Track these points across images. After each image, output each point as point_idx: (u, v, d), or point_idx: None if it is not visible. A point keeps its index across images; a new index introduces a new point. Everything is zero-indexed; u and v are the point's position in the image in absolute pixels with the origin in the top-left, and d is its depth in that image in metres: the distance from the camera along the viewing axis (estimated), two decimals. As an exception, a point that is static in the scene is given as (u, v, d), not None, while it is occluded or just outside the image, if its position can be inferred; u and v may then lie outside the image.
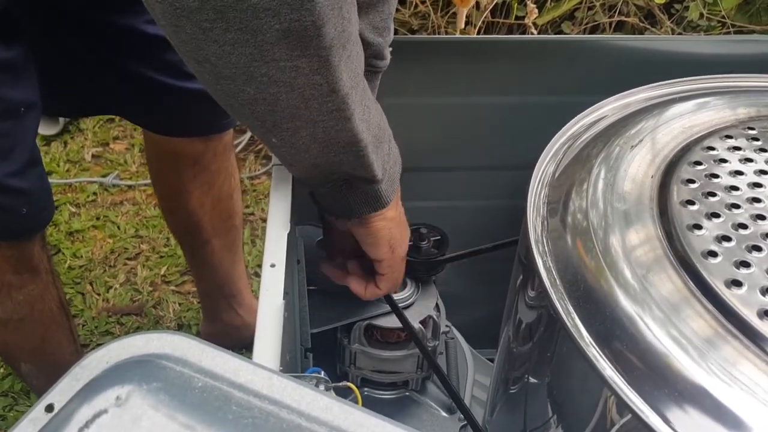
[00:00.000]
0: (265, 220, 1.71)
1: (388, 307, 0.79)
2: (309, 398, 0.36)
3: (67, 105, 1.05)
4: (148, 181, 1.74)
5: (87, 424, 0.35)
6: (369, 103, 0.58)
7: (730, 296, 0.44)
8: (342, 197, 0.63)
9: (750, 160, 0.55)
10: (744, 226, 0.49)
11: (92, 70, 0.95)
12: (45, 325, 1.04)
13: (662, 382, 0.42)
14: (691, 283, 0.46)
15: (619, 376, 0.44)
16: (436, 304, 0.84)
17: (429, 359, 0.79)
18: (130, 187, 1.79)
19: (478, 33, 1.56)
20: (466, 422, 0.85)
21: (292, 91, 0.49)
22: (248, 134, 1.90)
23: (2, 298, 0.95)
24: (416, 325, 0.80)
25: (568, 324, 0.47)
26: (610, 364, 0.44)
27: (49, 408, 0.36)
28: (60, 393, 0.37)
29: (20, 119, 0.82)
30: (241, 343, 1.28)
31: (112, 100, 1.02)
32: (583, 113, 0.67)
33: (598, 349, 0.45)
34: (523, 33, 1.58)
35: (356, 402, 0.64)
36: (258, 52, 0.46)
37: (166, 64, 0.95)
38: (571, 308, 0.48)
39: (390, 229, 0.68)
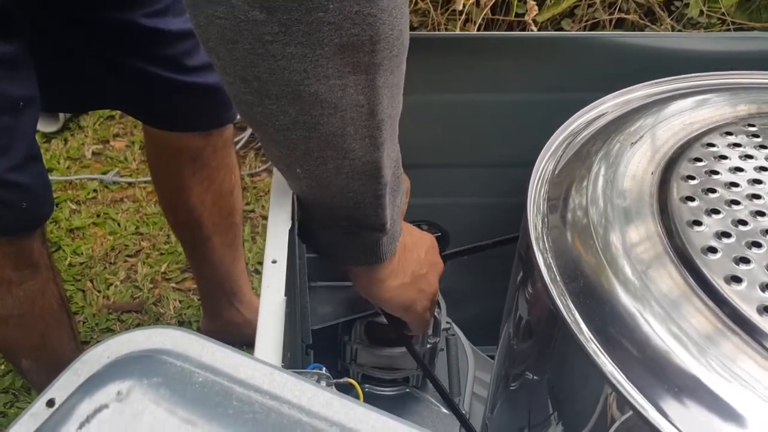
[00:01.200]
0: (265, 218, 1.71)
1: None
2: (310, 393, 0.36)
3: (66, 100, 1.05)
4: (149, 178, 1.73)
5: (88, 419, 0.35)
6: (396, 146, 0.58)
7: (730, 292, 0.44)
8: (339, 242, 0.63)
9: (750, 157, 0.55)
10: (744, 223, 0.49)
11: (91, 66, 0.95)
12: (45, 322, 1.04)
13: (662, 378, 0.42)
14: (691, 279, 0.46)
15: (619, 371, 0.44)
16: (437, 301, 0.84)
17: (420, 363, 0.79)
18: (130, 184, 1.79)
19: (478, 30, 1.56)
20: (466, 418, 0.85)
21: (335, 113, 0.49)
22: (248, 131, 1.90)
23: (2, 294, 0.95)
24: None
25: (568, 320, 0.47)
26: (610, 360, 0.44)
27: (50, 403, 0.36)
28: (61, 388, 0.37)
29: (19, 114, 0.82)
30: (241, 340, 1.28)
31: (111, 94, 1.02)
32: (583, 110, 0.67)
33: (598, 344, 0.45)
34: (523, 30, 1.58)
35: (358, 398, 0.64)
36: (313, 68, 0.46)
37: (165, 58, 0.95)
38: (571, 304, 0.48)
39: (400, 296, 0.68)
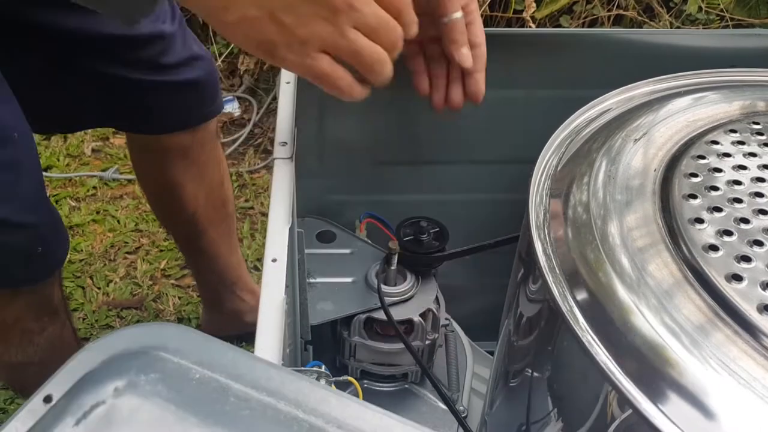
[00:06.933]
0: (264, 214, 1.71)
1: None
2: (306, 390, 0.36)
3: (51, 124, 1.01)
4: (148, 174, 1.73)
5: (84, 415, 0.35)
6: None
7: (730, 290, 0.44)
8: None
9: (754, 155, 0.55)
10: (746, 221, 0.49)
11: (68, 84, 0.92)
12: (64, 361, 1.02)
13: (659, 375, 0.42)
14: (692, 277, 0.46)
15: (617, 367, 0.43)
16: (436, 297, 0.84)
17: (418, 360, 0.78)
18: (129, 181, 1.78)
19: (478, 27, 1.55)
20: (465, 414, 0.85)
21: None
22: (247, 129, 1.90)
23: (24, 345, 0.93)
24: (416, 318, 0.80)
25: (564, 311, 0.47)
26: (607, 355, 0.44)
27: (47, 399, 0.36)
28: (58, 384, 0.37)
29: (18, 145, 0.79)
30: (246, 329, 1.28)
31: (93, 112, 0.99)
32: (586, 106, 0.67)
33: (594, 337, 0.45)
34: (522, 27, 1.58)
35: (356, 395, 0.64)
36: None
37: (141, 61, 0.93)
38: (570, 299, 0.48)
39: (244, 33, 0.54)
